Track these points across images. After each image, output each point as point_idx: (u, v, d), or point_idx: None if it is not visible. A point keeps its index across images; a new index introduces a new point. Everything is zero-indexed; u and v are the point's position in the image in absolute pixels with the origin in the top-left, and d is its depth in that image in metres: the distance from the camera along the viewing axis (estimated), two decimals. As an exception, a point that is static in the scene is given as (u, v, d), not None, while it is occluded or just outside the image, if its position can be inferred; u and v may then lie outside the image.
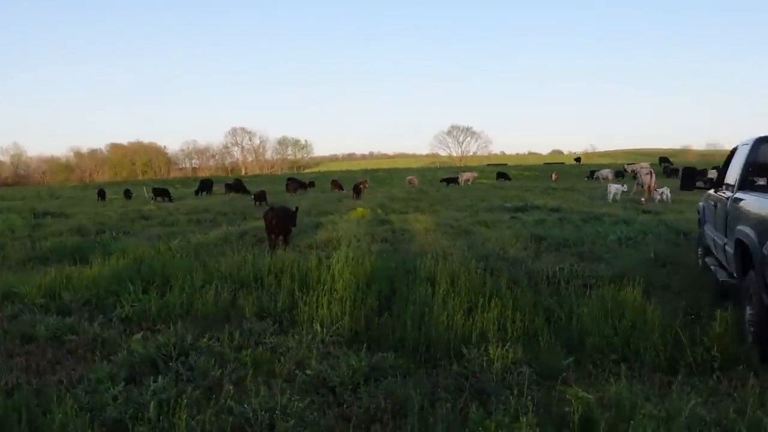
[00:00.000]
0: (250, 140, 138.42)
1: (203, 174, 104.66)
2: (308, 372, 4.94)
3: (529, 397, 4.07)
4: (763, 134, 7.51)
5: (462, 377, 4.76)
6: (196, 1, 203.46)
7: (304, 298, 6.84)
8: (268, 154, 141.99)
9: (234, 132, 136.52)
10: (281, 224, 12.29)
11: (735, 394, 4.50)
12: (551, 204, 23.05)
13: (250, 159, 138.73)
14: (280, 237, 12.23)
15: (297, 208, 13.43)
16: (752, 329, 5.57)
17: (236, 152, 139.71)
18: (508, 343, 5.20)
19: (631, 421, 3.59)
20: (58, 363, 5.48)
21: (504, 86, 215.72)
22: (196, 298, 7.17)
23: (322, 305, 6.62)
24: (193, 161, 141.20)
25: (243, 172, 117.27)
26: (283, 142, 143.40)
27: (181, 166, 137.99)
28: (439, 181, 52.32)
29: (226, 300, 7.21)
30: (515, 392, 4.23)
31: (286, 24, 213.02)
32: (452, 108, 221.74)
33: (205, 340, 5.59)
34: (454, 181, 51.31)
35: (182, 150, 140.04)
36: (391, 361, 5.11)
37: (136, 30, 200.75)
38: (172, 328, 5.88)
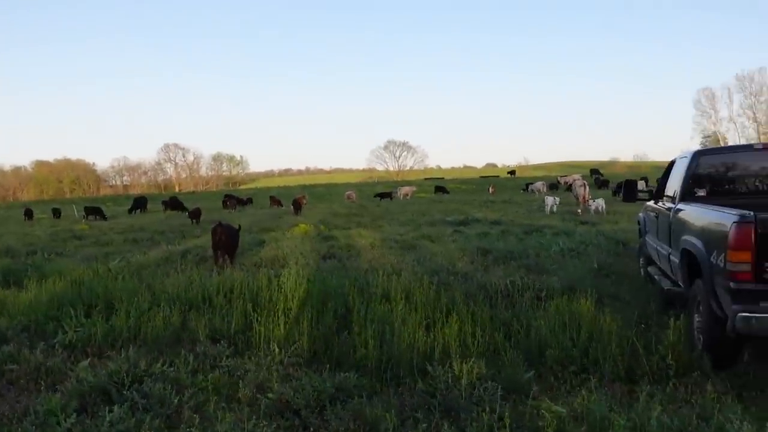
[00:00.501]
0: (184, 156, 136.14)
1: (135, 191, 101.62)
2: (270, 395, 4.78)
3: (501, 413, 4.06)
4: (700, 148, 7.92)
5: (429, 395, 4.71)
6: (126, 13, 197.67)
7: (258, 318, 6.66)
8: (203, 171, 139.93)
9: (167, 148, 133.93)
10: (229, 242, 12.13)
11: (693, 401, 4.62)
12: (492, 217, 23.44)
13: (184, 175, 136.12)
14: (225, 255, 11.98)
15: (239, 227, 13.24)
16: (701, 337, 5.75)
17: (169, 169, 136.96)
18: (472, 359, 5.18)
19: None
20: (0, 395, 5.12)
21: (437, 100, 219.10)
22: (144, 321, 6.85)
23: (278, 325, 6.46)
24: (124, 178, 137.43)
25: (177, 189, 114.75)
26: (217, 158, 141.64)
27: (111, 184, 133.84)
28: (373, 196, 52.47)
29: (176, 323, 6.92)
30: (486, 408, 4.20)
31: (218, 38, 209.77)
32: (387, 122, 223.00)
33: (158, 365, 5.32)
34: (387, 196, 51.71)
35: (112, 167, 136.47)
36: (355, 381, 5.02)
37: (63, 41, 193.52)
38: (122, 354, 5.59)
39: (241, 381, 5.19)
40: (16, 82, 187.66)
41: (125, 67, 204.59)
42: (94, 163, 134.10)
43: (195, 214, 28.32)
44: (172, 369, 5.35)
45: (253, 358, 5.80)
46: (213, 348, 6.06)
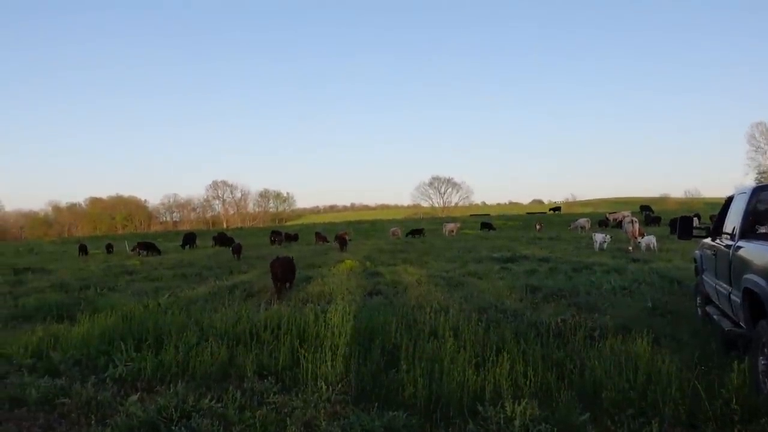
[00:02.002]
0: (231, 193, 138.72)
1: (184, 228, 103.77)
2: (318, 433, 4.72)
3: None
4: (760, 184, 7.65)
5: (480, 436, 4.58)
6: (174, 52, 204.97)
7: (305, 354, 6.64)
8: (250, 207, 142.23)
9: (215, 185, 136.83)
10: (287, 272, 13.55)
11: (762, 448, 4.37)
12: (539, 254, 23.10)
13: (231, 212, 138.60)
14: (286, 284, 13.32)
15: (293, 257, 13.87)
16: (767, 380, 5.46)
17: (217, 205, 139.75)
18: (524, 399, 5.03)
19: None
20: (51, 429, 5.20)
21: (483, 136, 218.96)
22: (192, 356, 6.91)
23: (326, 361, 6.41)
24: (174, 215, 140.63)
25: (225, 225, 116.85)
26: (264, 195, 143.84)
27: (161, 220, 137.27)
28: (406, 234, 52.55)
29: (223, 358, 6.95)
30: (541, 452, 4.05)
31: (263, 76, 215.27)
32: (433, 159, 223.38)
33: (206, 401, 5.34)
34: (419, 233, 51.88)
35: (162, 203, 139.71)
36: (404, 421, 4.92)
37: (113, 82, 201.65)
38: (171, 389, 5.64)
39: (288, 418, 5.15)
40: (72, 120, 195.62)
41: (175, 105, 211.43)
42: (145, 200, 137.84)
43: (236, 250, 28.79)
44: (219, 405, 5.35)
45: (300, 394, 5.75)
46: (260, 384, 6.05)
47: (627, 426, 4.93)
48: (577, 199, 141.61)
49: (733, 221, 7.58)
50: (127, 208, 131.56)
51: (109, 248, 40.62)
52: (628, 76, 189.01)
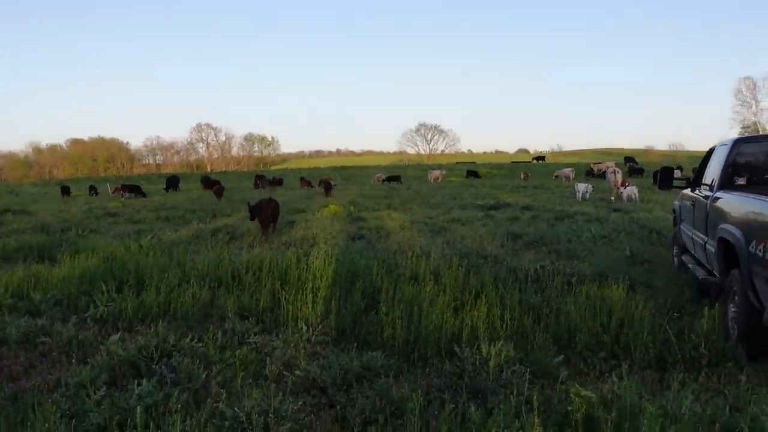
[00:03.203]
0: (216, 136, 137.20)
1: (167, 170, 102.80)
2: (298, 373, 4.80)
3: (529, 396, 4.01)
4: (740, 136, 7.70)
5: (456, 377, 4.68)
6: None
7: (286, 296, 6.70)
8: (234, 151, 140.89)
9: (199, 128, 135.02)
10: (275, 213, 14.23)
11: (726, 391, 4.52)
12: (523, 202, 23.21)
13: (215, 155, 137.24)
14: (272, 224, 14.01)
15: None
16: (736, 327, 5.62)
17: (201, 149, 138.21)
18: (500, 342, 5.14)
19: (642, 420, 3.55)
20: (33, 367, 5.22)
21: (470, 84, 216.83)
22: (174, 297, 6.96)
23: (306, 303, 6.49)
24: (157, 157, 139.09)
25: (209, 169, 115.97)
26: (249, 139, 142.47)
27: (144, 163, 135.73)
28: (382, 181, 52.36)
29: (205, 299, 7.01)
30: (514, 391, 4.16)
31: (247, 19, 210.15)
32: (419, 106, 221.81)
33: (187, 341, 5.38)
34: (396, 179, 51.47)
35: (145, 146, 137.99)
36: (382, 361, 5.01)
37: (98, 23, 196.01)
38: (151, 329, 5.68)
39: (268, 358, 5.23)
40: (52, 62, 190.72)
41: (158, 47, 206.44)
42: (128, 142, 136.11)
43: (218, 192, 29.17)
44: (200, 345, 5.41)
45: (280, 335, 5.83)
46: (241, 325, 6.12)
47: (599, 368, 5.09)
48: (563, 149, 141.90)
49: (712, 172, 7.65)
50: (109, 150, 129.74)
51: (93, 190, 40.10)
52: (616, 26, 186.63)
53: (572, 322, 5.86)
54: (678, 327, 5.71)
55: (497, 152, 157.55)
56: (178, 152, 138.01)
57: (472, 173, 59.40)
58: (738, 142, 7.37)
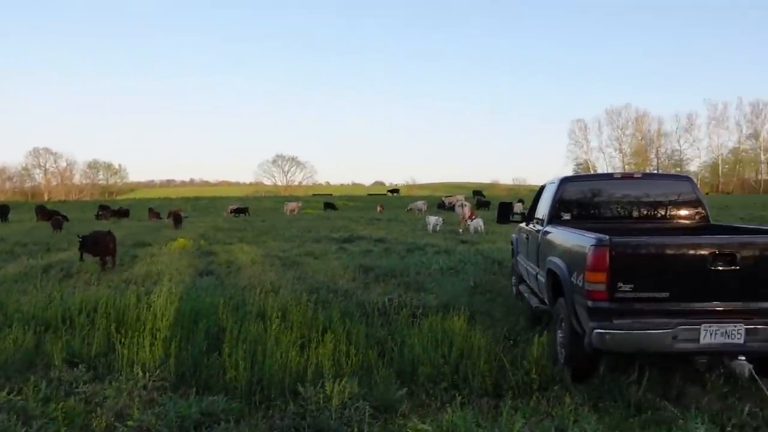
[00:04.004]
0: (56, 162, 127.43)
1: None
2: (130, 423, 4.49)
3: (369, 433, 4.04)
4: (567, 174, 8.45)
5: (299, 417, 4.62)
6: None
7: (122, 339, 6.28)
8: (76, 178, 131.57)
9: (36, 153, 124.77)
10: (110, 248, 13.61)
11: (553, 413, 4.84)
12: (377, 234, 23.66)
13: (54, 183, 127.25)
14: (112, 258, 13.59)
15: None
16: (563, 351, 6.07)
17: (38, 175, 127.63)
18: (344, 378, 5.15)
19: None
20: None
21: (327, 117, 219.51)
22: (-8, 344, 6.29)
23: (144, 347, 6.12)
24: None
25: (46, 197, 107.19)
26: (93, 166, 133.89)
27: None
28: (228, 212, 51.51)
29: (29, 345, 6.39)
30: (355, 428, 4.17)
31: (98, 39, 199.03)
32: (276, 137, 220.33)
33: (4, 394, 4.88)
34: (243, 211, 50.71)
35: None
36: (224, 405, 4.83)
37: None
38: (-38, 382, 5.08)
39: (99, 408, 4.86)
40: None
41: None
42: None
43: (56, 224, 26.85)
44: (19, 398, 4.91)
45: (114, 383, 5.42)
46: (69, 373, 5.64)
47: (440, 399, 5.24)
48: (417, 183, 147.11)
49: (543, 208, 8.26)
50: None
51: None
52: (467, 64, 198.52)
53: (416, 354, 6.00)
54: (512, 354, 6.04)
55: (354, 184, 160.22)
56: (10, 178, 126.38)
57: (330, 205, 59.85)
58: (564, 181, 8.03)
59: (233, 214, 49.69)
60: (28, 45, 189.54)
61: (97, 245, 13.33)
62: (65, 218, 38.44)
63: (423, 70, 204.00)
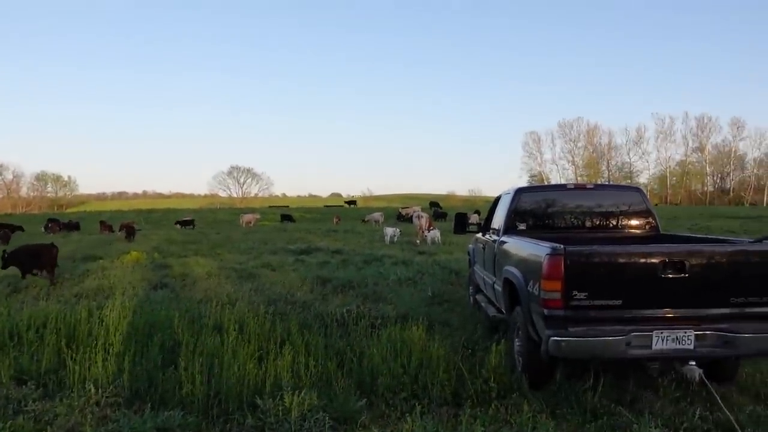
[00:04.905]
0: (1, 174, 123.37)
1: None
2: (82, 440, 4.37)
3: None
4: (522, 185, 8.57)
5: (257, 430, 4.58)
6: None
7: (73, 355, 6.10)
8: (23, 191, 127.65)
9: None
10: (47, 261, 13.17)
11: (512, 421, 4.90)
12: (334, 246, 23.60)
13: (0, 196, 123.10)
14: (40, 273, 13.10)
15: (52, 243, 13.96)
16: (521, 359, 6.15)
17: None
18: (303, 390, 5.12)
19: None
20: None
21: (284, 128, 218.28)
22: (-68, 364, 6.02)
23: (96, 362, 5.96)
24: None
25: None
26: (41, 178, 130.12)
27: None
28: (174, 223, 50.46)
29: (-27, 364, 6.15)
30: (314, 441, 4.14)
31: (44, 42, 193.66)
32: (232, 147, 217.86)
33: (-54, 414, 4.68)
34: (189, 224, 49.00)
35: None
36: (180, 420, 4.75)
37: None
38: None
39: (48, 427, 4.73)
40: None
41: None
42: None
43: (2, 238, 26.10)
44: (-36, 417, 4.72)
45: (65, 400, 5.28)
46: (18, 391, 5.48)
47: (400, 409, 5.25)
48: (373, 194, 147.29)
49: (499, 219, 8.37)
50: None
51: None
52: (418, 81, 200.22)
53: (375, 365, 6.00)
54: (471, 363, 6.11)
55: (311, 196, 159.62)
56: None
57: (287, 217, 59.42)
58: (519, 192, 8.16)
59: (179, 225, 48.41)
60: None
61: (32, 259, 13.06)
62: (21, 229, 37.36)
63: (377, 82, 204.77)
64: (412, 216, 38.49)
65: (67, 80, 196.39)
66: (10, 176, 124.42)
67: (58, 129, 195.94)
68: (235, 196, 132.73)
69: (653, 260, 5.29)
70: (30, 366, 6.14)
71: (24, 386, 5.60)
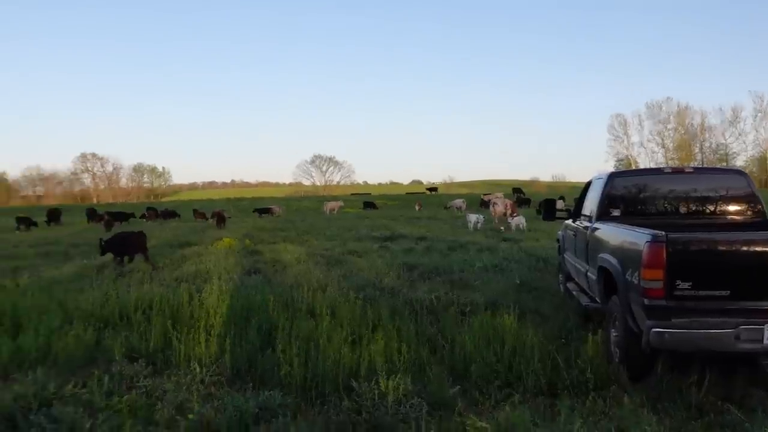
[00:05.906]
0: (102, 166, 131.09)
1: (49, 202, 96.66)
2: (191, 416, 4.60)
3: (427, 429, 4.06)
4: (615, 170, 8.27)
5: (354, 413, 4.67)
6: (39, 20, 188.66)
7: (178, 335, 6.44)
8: (123, 182, 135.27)
9: (84, 158, 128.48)
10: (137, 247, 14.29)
11: (611, 413, 4.77)
12: (417, 233, 23.66)
13: (102, 187, 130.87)
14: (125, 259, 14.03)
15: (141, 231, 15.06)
16: (618, 351, 5.96)
17: (87, 179, 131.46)
18: (398, 375, 5.18)
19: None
20: None
21: (366, 116, 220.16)
22: (55, 340, 6.50)
23: (199, 343, 6.26)
24: (37, 188, 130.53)
25: (95, 200, 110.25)
26: (138, 170, 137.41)
27: (23, 194, 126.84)
28: (252, 211, 51.39)
29: (89, 341, 6.60)
30: (413, 425, 4.19)
31: (140, 45, 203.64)
32: (315, 136, 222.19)
33: (70, 387, 5.06)
34: (267, 211, 49.90)
35: (24, 176, 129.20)
36: (280, 400, 4.91)
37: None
38: (29, 376, 5.28)
39: (160, 402, 4.99)
40: None
41: (37, 70, 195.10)
42: (4, 172, 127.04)
43: (108, 224, 27.69)
44: (84, 391, 5.09)
45: (173, 377, 5.59)
46: (130, 368, 5.79)
47: (494, 397, 5.21)
48: (455, 181, 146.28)
49: (590, 204, 8.14)
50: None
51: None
52: (498, 62, 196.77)
53: (467, 352, 6.00)
54: (565, 353, 5.97)
55: (392, 183, 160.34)
56: (60, 183, 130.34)
57: (370, 204, 60.00)
58: (612, 176, 7.90)
59: (258, 213, 49.56)
60: (81, 54, 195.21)
61: (124, 246, 13.96)
62: (132, 216, 39.67)
63: (460, 68, 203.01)
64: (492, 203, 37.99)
65: (166, 81, 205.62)
66: (110, 168, 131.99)
67: (153, 123, 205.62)
68: (318, 184, 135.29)
69: (764, 248, 5.00)
70: (140, 345, 6.53)
71: (135, 363, 5.92)
